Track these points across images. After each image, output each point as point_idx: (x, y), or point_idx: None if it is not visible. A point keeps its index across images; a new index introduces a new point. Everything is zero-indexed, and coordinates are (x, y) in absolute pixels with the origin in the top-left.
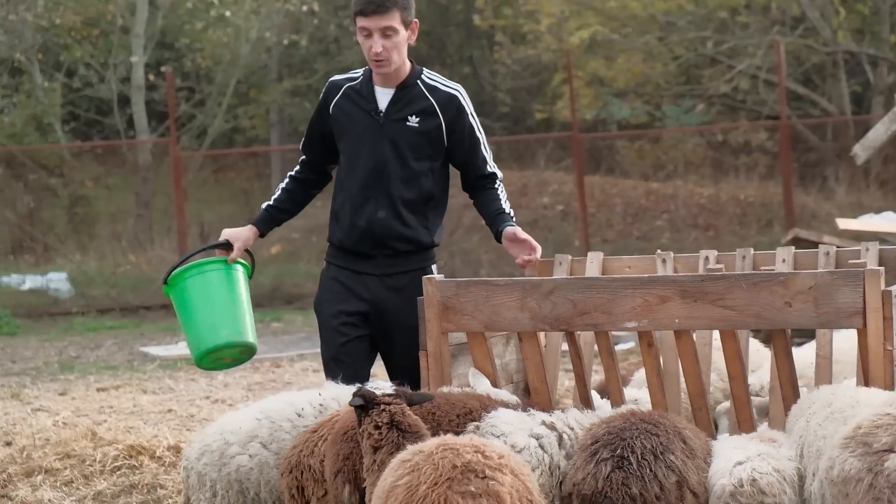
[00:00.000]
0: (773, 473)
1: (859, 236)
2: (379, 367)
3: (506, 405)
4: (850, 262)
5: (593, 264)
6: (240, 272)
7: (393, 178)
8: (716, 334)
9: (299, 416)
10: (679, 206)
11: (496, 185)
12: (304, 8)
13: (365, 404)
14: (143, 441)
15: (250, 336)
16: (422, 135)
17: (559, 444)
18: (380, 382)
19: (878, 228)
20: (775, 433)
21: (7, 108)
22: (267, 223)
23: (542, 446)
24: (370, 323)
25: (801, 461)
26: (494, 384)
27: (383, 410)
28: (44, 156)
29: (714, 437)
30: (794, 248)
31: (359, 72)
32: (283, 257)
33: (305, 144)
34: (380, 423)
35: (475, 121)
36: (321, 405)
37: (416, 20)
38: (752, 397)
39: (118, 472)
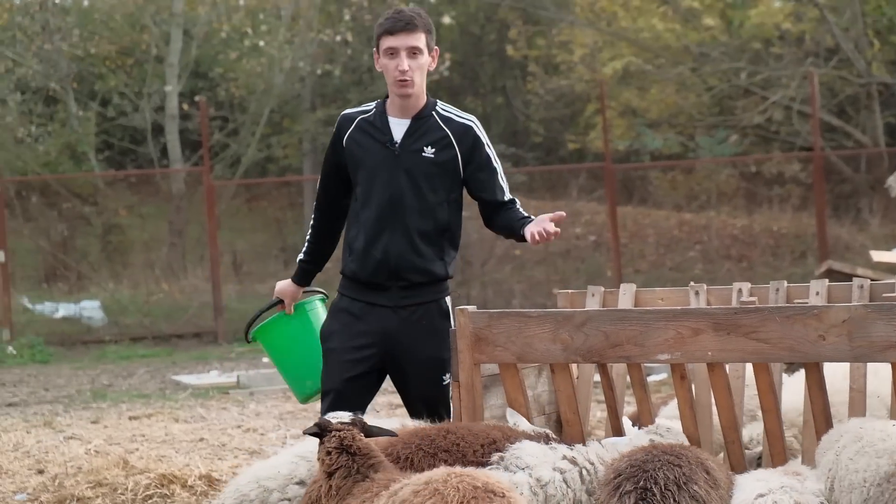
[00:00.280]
0: None
1: (893, 269)
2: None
3: (528, 437)
4: (885, 295)
5: (626, 296)
6: (316, 305)
7: (409, 209)
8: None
9: None
10: (712, 237)
11: (517, 206)
12: (338, 38)
13: (320, 432)
14: (175, 470)
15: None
16: (437, 166)
17: (580, 479)
18: (340, 413)
19: None
20: (801, 467)
21: (42, 136)
22: (304, 277)
23: (565, 480)
24: (380, 356)
25: (830, 494)
26: (526, 416)
27: (334, 436)
28: (78, 184)
29: (746, 470)
30: (827, 280)
31: (371, 104)
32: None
33: (321, 183)
34: (330, 449)
35: (491, 151)
36: None
37: (437, 48)
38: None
39: (150, 501)
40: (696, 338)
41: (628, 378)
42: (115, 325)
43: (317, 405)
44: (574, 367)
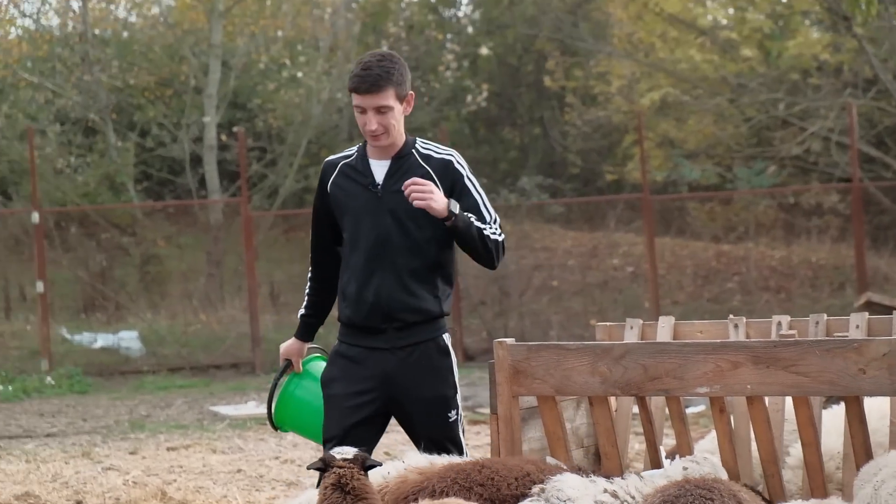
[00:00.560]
0: None
1: None
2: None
3: (562, 470)
4: None
5: (664, 329)
6: (317, 364)
7: (397, 248)
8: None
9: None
10: (750, 269)
11: (494, 230)
12: None
13: (323, 467)
14: (213, 501)
15: None
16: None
17: None
18: (345, 448)
19: None
20: (835, 500)
21: (81, 167)
22: (307, 332)
23: None
24: (382, 400)
25: None
26: (565, 448)
27: (333, 473)
28: (116, 215)
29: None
30: (867, 313)
31: (353, 149)
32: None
33: (313, 234)
34: (327, 485)
35: (472, 182)
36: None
37: (411, 93)
38: None
39: None
40: (735, 371)
41: (667, 411)
42: (152, 356)
43: None
44: (612, 399)
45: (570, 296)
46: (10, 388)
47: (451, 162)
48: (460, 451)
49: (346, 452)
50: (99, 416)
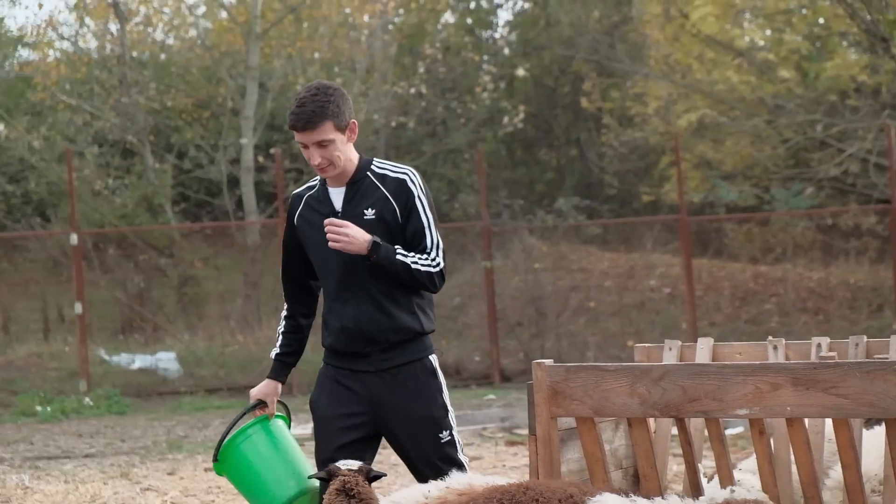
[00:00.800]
0: None
1: None
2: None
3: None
4: None
5: (703, 350)
6: (279, 423)
7: (364, 273)
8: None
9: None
10: (788, 290)
11: (424, 255)
12: (412, 90)
13: (327, 477)
14: None
15: (306, 483)
16: (380, 224)
17: None
18: (349, 461)
19: None
20: None
21: (119, 189)
22: (282, 371)
23: None
24: (372, 422)
25: None
26: (604, 470)
27: (338, 479)
28: (154, 236)
29: None
30: None
31: (317, 180)
32: None
33: (284, 268)
34: (332, 490)
35: (422, 203)
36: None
37: (353, 121)
38: None
39: None
40: (775, 393)
41: (706, 432)
42: (190, 377)
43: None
44: (651, 421)
45: (606, 317)
46: (49, 408)
47: (404, 181)
48: (461, 469)
49: (350, 464)
50: (137, 437)
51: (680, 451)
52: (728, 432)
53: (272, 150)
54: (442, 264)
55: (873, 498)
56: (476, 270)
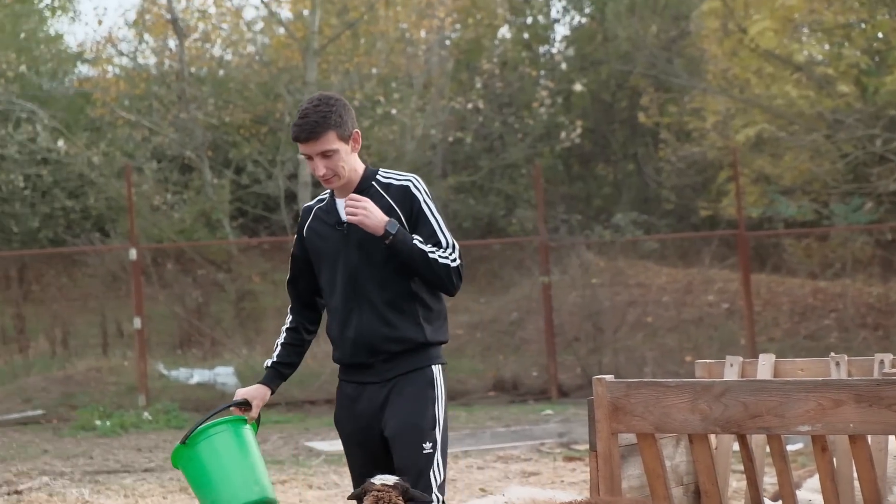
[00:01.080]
0: None
1: None
2: None
3: None
4: None
5: (765, 366)
6: (247, 429)
7: (367, 283)
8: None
9: None
10: (847, 306)
11: (441, 249)
12: (469, 105)
13: (362, 493)
14: None
15: (271, 492)
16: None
17: None
18: (386, 476)
19: None
20: None
21: (177, 204)
22: (275, 380)
23: None
24: (381, 433)
25: None
26: (665, 486)
27: (371, 495)
28: (212, 251)
29: None
30: None
31: (327, 192)
32: (447, 353)
33: (292, 281)
34: None
35: (428, 207)
36: None
37: (356, 130)
38: None
39: None
40: (837, 409)
41: (767, 448)
42: None
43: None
44: (712, 437)
45: (664, 332)
46: (108, 423)
47: (408, 187)
48: (427, 490)
49: (386, 479)
50: None
51: (741, 467)
52: (788, 448)
53: None
54: (459, 262)
55: None
56: (533, 285)
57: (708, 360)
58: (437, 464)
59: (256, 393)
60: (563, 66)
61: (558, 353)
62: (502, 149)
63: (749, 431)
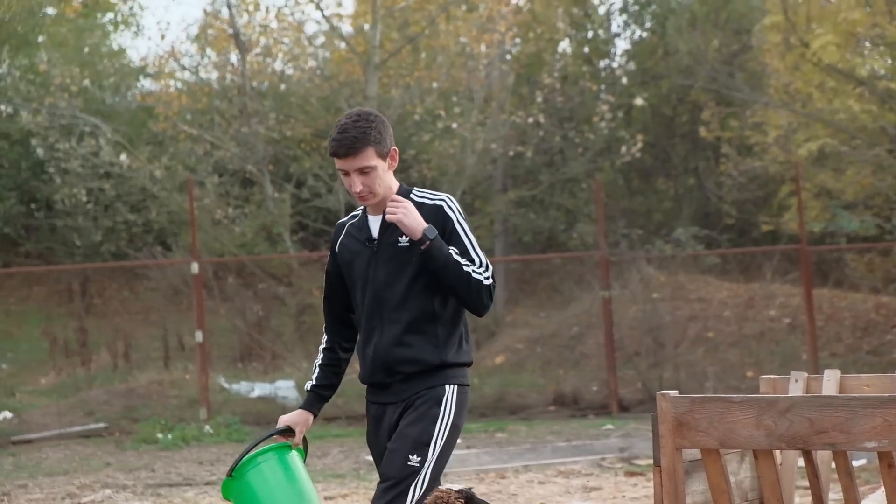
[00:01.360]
0: None
1: None
2: None
3: None
4: None
5: (830, 382)
6: (294, 455)
7: (389, 301)
8: None
9: None
10: None
11: (481, 272)
12: (530, 120)
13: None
14: None
15: None
16: (411, 252)
17: None
18: (454, 485)
19: None
20: None
21: (238, 218)
22: (316, 404)
23: None
24: None
25: None
26: (729, 502)
27: (431, 495)
28: (273, 265)
29: None
30: None
31: (360, 209)
32: (507, 368)
33: (326, 299)
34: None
35: (461, 226)
36: None
37: (394, 148)
38: None
39: None
40: None
41: (832, 464)
42: None
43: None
44: (777, 453)
45: (725, 347)
46: (170, 436)
47: (441, 206)
48: (400, 500)
49: (454, 487)
50: None
51: (805, 483)
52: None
53: None
54: (492, 281)
55: None
56: (594, 300)
57: (772, 376)
58: (421, 480)
59: (299, 419)
60: (624, 80)
61: (618, 368)
62: (562, 163)
63: (815, 447)
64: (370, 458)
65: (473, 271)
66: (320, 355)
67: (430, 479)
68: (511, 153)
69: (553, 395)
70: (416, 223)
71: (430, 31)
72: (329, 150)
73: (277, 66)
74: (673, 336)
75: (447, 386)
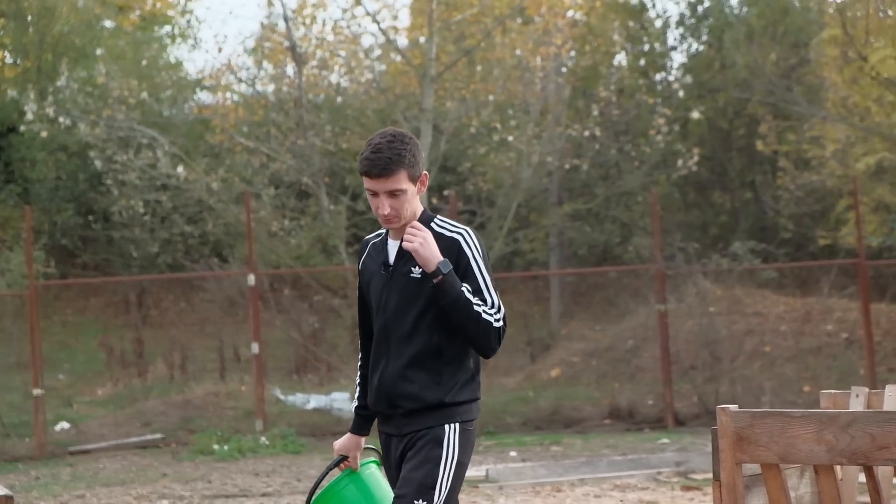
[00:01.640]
0: None
1: None
2: None
3: None
4: None
5: (892, 397)
6: (370, 471)
7: (397, 333)
8: None
9: None
10: None
11: (492, 313)
12: (586, 133)
13: None
14: None
15: None
16: (423, 284)
17: None
18: None
19: None
20: None
21: (294, 230)
22: (364, 425)
23: None
24: None
25: None
26: None
27: None
28: (328, 277)
29: None
30: None
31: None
32: (562, 381)
33: (359, 316)
34: None
35: (476, 262)
36: None
37: (425, 172)
38: None
39: None
40: None
41: (894, 480)
42: None
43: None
44: (838, 468)
45: (782, 361)
46: (226, 447)
47: (457, 240)
48: None
49: None
50: (313, 477)
51: (865, 498)
52: None
53: (446, 192)
54: (503, 324)
55: None
56: (650, 313)
57: (833, 391)
58: None
59: (350, 443)
60: (681, 93)
61: (674, 382)
62: (618, 176)
63: (876, 463)
64: None
65: (484, 311)
66: (358, 374)
67: None
68: (567, 166)
69: (608, 409)
70: (431, 255)
71: (486, 43)
72: (360, 168)
73: (333, 78)
74: (729, 350)
75: (447, 426)
